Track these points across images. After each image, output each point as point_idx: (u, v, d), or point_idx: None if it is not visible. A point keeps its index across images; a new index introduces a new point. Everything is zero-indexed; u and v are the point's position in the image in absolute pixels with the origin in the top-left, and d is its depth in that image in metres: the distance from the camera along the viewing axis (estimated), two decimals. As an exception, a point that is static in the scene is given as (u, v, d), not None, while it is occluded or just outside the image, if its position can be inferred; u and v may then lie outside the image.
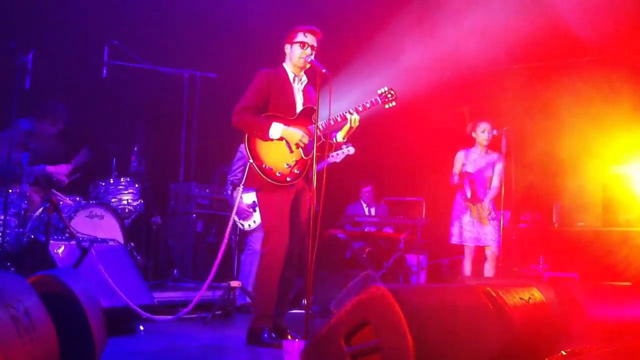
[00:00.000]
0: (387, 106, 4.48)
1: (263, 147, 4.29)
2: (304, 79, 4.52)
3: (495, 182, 6.38)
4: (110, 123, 7.10)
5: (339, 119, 4.35)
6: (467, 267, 6.36)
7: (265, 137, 4.27)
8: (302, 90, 4.51)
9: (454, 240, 6.41)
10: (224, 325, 5.26)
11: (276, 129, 4.27)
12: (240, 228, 6.24)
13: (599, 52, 7.64)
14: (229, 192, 6.16)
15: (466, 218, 6.34)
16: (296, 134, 4.31)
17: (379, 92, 4.44)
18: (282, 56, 4.52)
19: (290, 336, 4.25)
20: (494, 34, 7.26)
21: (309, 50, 4.38)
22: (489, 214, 6.30)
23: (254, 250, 6.16)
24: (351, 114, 4.37)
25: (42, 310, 2.45)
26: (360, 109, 4.40)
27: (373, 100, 4.43)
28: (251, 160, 4.26)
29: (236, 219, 6.18)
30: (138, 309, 4.45)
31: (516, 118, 7.29)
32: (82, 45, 6.88)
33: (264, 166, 4.25)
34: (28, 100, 5.32)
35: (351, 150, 5.72)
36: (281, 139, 4.30)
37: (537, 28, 7.18)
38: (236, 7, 7.97)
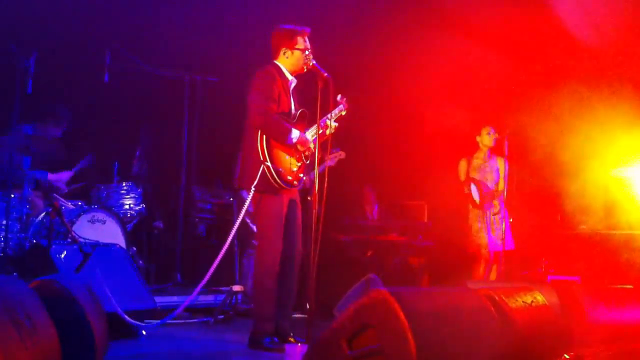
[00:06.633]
0: (343, 113, 4.58)
1: (277, 151, 4.28)
2: (295, 81, 4.54)
3: (501, 186, 6.38)
4: (112, 127, 7.10)
5: (322, 125, 4.43)
6: (482, 273, 6.34)
7: (285, 142, 4.27)
8: (292, 92, 4.54)
9: (475, 247, 6.38)
10: (226, 330, 5.25)
11: (295, 135, 4.29)
12: (252, 228, 6.23)
13: (601, 55, 7.63)
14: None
15: (483, 225, 6.33)
16: (307, 140, 4.36)
17: (338, 98, 4.52)
18: (274, 54, 4.47)
19: (293, 340, 4.25)
20: (497, 38, 7.26)
21: (310, 56, 4.38)
22: (498, 211, 6.30)
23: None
24: (330, 120, 4.43)
25: (44, 314, 2.45)
26: (334, 113, 4.47)
27: (340, 107, 4.53)
28: (268, 163, 4.22)
29: (248, 220, 6.19)
30: (125, 315, 4.31)
31: (518, 121, 7.29)
32: (83, 49, 6.88)
33: (279, 169, 4.25)
34: (30, 105, 5.32)
35: (342, 154, 6.22)
36: (295, 144, 4.33)
37: (539, 30, 7.18)
38: (237, 10, 7.96)
